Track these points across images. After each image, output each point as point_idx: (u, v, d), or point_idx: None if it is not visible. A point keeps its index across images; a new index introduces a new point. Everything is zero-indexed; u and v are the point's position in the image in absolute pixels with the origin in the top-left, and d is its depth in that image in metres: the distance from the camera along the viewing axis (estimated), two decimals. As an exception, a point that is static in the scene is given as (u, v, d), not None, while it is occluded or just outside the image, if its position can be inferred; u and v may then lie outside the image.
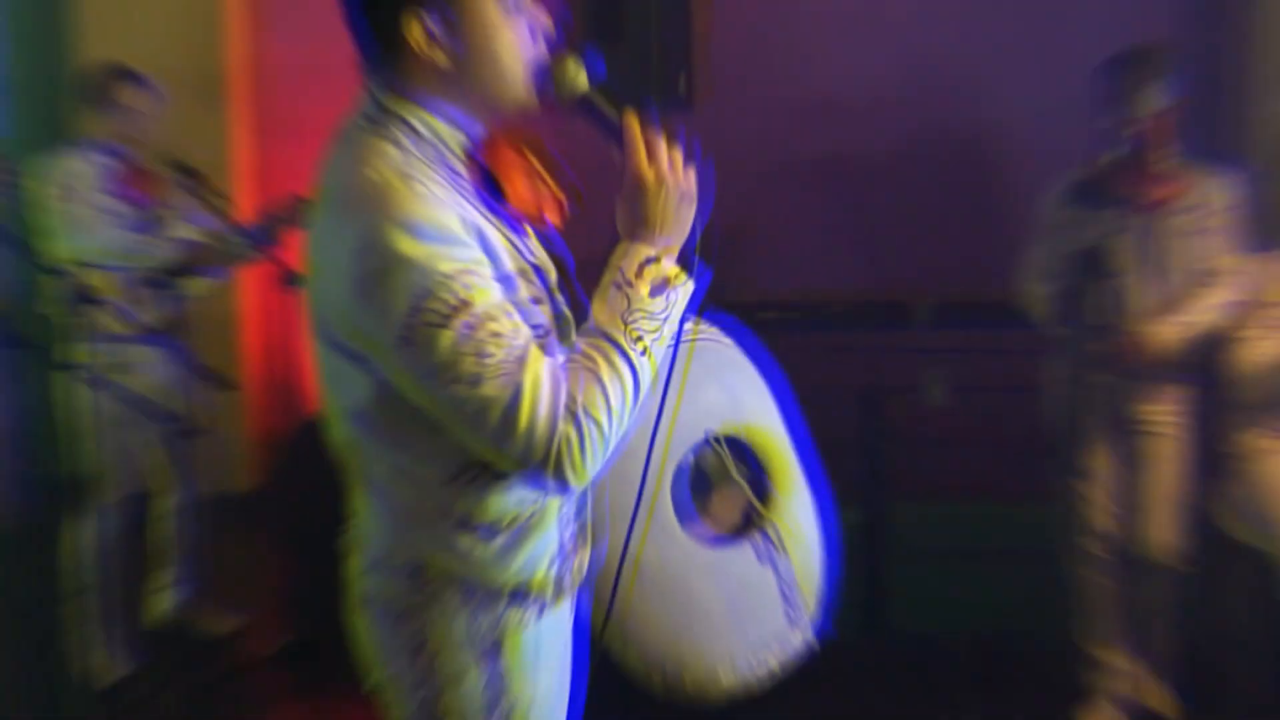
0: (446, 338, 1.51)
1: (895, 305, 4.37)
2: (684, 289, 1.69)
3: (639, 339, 1.62)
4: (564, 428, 1.54)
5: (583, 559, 1.88)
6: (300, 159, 5.79)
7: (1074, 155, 3.74)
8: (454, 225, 1.56)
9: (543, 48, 1.72)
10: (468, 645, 1.75)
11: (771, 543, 2.17)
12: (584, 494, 1.86)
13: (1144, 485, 3.73)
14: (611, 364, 1.60)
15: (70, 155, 4.26)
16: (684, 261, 1.70)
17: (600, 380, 1.58)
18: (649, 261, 1.65)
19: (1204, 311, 3.62)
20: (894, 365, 4.50)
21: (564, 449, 1.54)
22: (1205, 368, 3.79)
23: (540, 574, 1.78)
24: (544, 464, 1.55)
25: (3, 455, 3.22)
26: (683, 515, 2.13)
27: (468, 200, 1.64)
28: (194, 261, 4.22)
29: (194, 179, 4.26)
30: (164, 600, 4.67)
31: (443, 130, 1.69)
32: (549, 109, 1.73)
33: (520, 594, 1.76)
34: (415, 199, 1.55)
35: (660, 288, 1.65)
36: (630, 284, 1.63)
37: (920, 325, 4.38)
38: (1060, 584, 3.80)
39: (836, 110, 5.33)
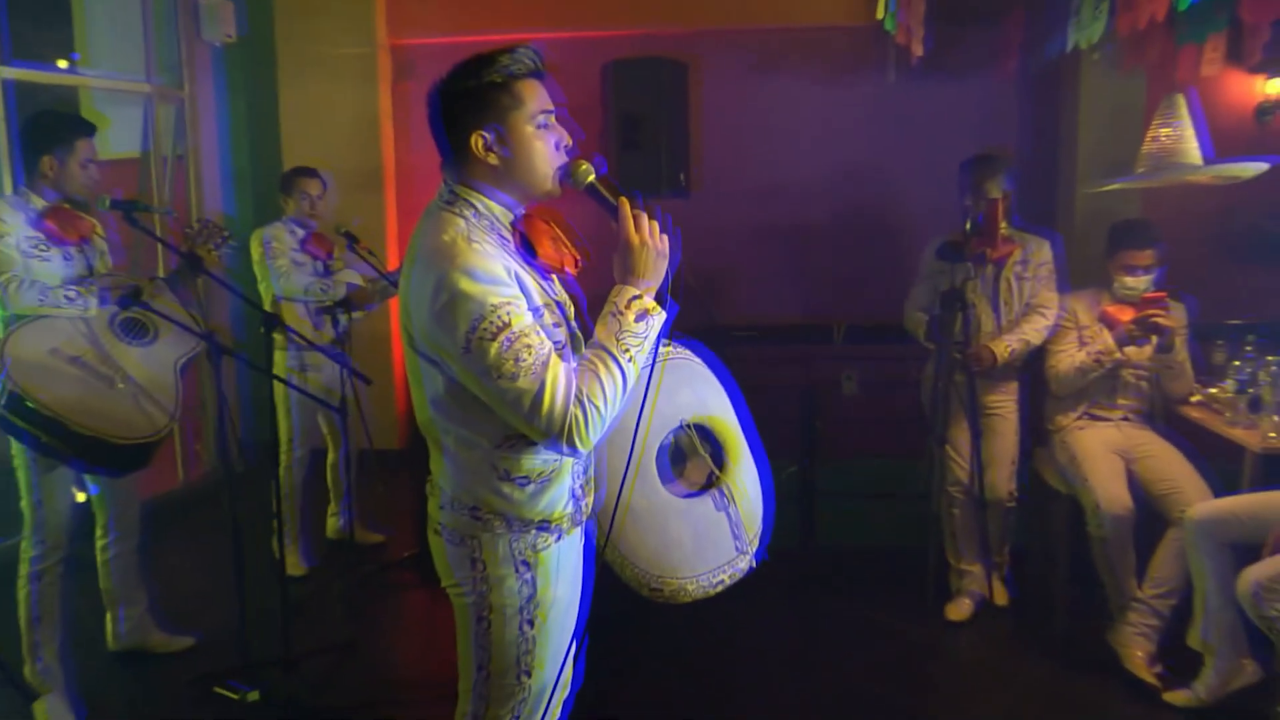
0: (494, 348, 1.58)
1: (822, 327, 4.33)
2: (658, 317, 1.70)
3: (626, 350, 1.66)
4: (574, 410, 1.60)
5: (589, 501, 1.89)
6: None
7: (945, 224, 3.66)
8: (500, 272, 1.62)
9: (563, 154, 1.76)
10: (508, 560, 1.78)
11: (725, 497, 2.16)
12: (589, 457, 1.87)
13: (990, 449, 3.68)
14: (608, 367, 1.64)
15: (274, 225, 4.27)
16: (659, 298, 1.73)
17: (599, 378, 1.63)
18: (634, 299, 1.68)
19: (1031, 333, 3.58)
20: (821, 368, 4.45)
21: (574, 425, 1.61)
22: (1032, 370, 3.75)
23: (559, 511, 1.81)
24: (560, 435, 1.61)
25: (230, 427, 3.25)
26: (663, 476, 2.13)
27: (511, 255, 1.69)
28: (356, 298, 4.20)
29: (355, 241, 4.23)
30: (335, 521, 4.69)
31: (495, 209, 1.74)
32: (568, 195, 1.78)
33: (545, 525, 1.80)
34: (474, 254, 1.62)
35: (642, 316, 1.68)
36: (621, 313, 1.67)
37: (839, 340, 4.31)
38: (933, 516, 3.74)
39: (788, 193, 5.32)
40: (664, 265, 1.70)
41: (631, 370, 1.67)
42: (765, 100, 5.33)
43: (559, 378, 1.60)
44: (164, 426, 2.91)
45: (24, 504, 3.06)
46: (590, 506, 1.91)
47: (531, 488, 1.77)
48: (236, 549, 3.04)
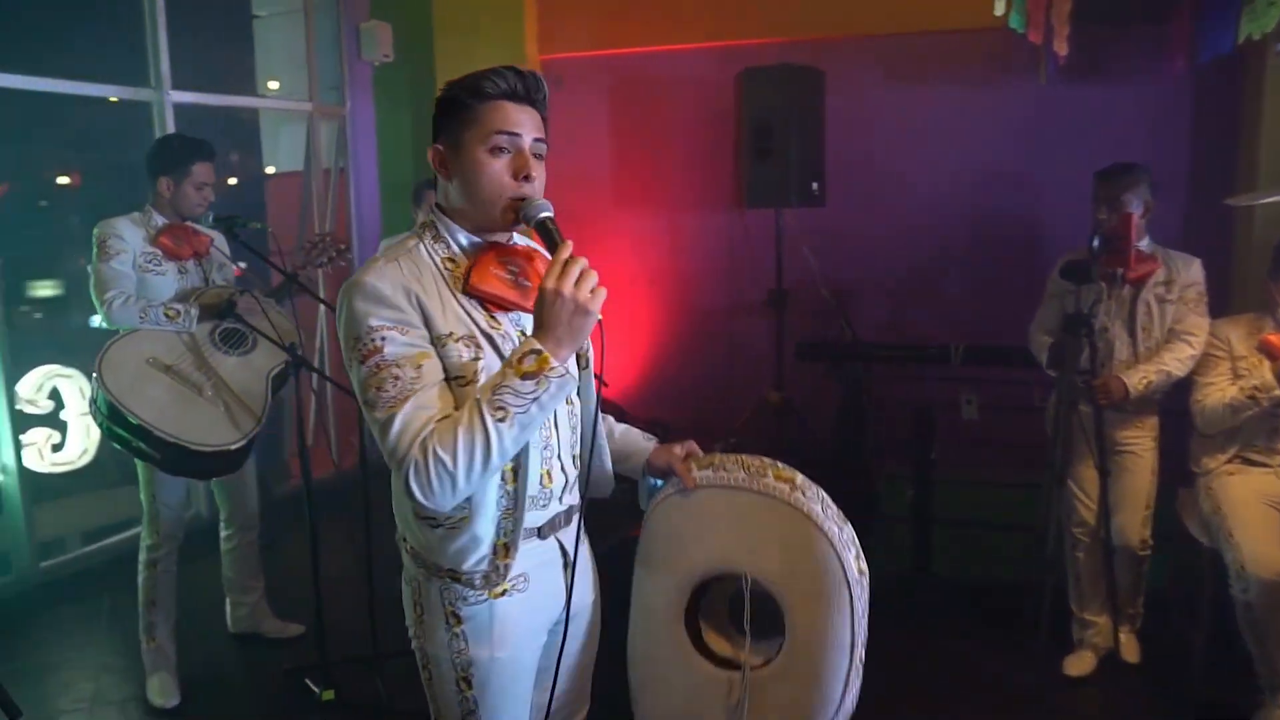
0: (362, 371, 1.46)
1: (940, 347, 3.87)
2: (555, 381, 1.42)
3: (500, 409, 1.40)
4: (415, 454, 1.41)
5: (507, 566, 1.59)
6: (572, 236, 5.78)
7: (1079, 240, 3.16)
8: (389, 294, 1.46)
9: (522, 186, 1.52)
10: (438, 609, 1.60)
11: (744, 689, 1.76)
12: (515, 519, 1.58)
13: (1120, 491, 3.17)
14: (469, 421, 1.41)
15: (405, 237, 4.25)
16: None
17: (455, 430, 1.41)
18: (531, 354, 1.41)
19: (1173, 363, 3.04)
20: (940, 390, 4.00)
21: (414, 471, 1.41)
22: (1175, 404, 3.19)
23: (469, 565, 1.57)
24: (401, 475, 1.43)
25: (303, 436, 3.29)
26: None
27: (436, 282, 1.51)
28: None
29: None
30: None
31: (456, 235, 1.57)
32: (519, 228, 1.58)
33: (454, 577, 1.58)
34: (372, 272, 1.48)
35: (532, 375, 1.40)
36: (511, 366, 1.42)
37: (957, 360, 3.86)
38: (1050, 558, 3.25)
39: (918, 205, 4.87)
40: (585, 325, 1.42)
41: (504, 432, 1.41)
42: (898, 109, 4.89)
43: (411, 417, 1.42)
44: (247, 435, 2.91)
45: (142, 497, 3.16)
46: (505, 573, 1.60)
47: (440, 531, 1.56)
48: (314, 550, 3.00)
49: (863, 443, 4.42)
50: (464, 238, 1.57)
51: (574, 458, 1.69)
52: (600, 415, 1.75)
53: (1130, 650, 3.28)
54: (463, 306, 1.52)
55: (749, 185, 4.66)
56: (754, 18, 5.01)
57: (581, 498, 1.74)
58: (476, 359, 1.50)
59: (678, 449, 1.76)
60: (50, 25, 4.32)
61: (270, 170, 5.47)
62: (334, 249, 3.38)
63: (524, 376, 1.40)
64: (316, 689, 3.07)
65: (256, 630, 3.60)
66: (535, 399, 1.41)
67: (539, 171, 1.55)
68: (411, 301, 1.47)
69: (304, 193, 5.28)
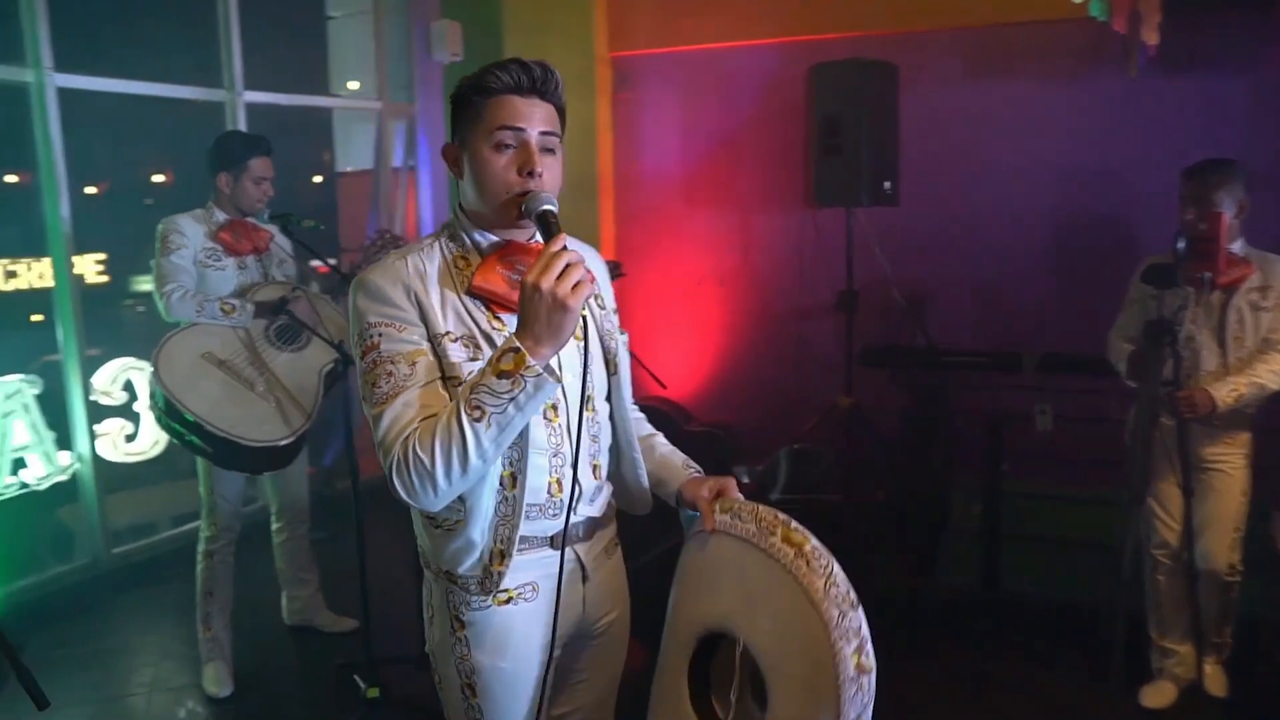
0: (361, 366, 1.47)
1: (1012, 355, 3.66)
2: (531, 381, 1.34)
3: (477, 409, 1.35)
4: (397, 450, 1.39)
5: (501, 574, 1.53)
6: (643, 235, 5.68)
7: (1170, 243, 2.94)
8: (390, 291, 1.45)
9: (525, 180, 1.47)
10: (443, 610, 1.58)
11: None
12: (510, 527, 1.51)
13: (1207, 511, 2.95)
14: (448, 420, 1.37)
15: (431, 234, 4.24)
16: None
17: (435, 429, 1.37)
18: (513, 351, 1.35)
19: (1268, 375, 2.81)
20: (1013, 399, 3.80)
21: (394, 465, 1.39)
22: (1271, 420, 2.95)
23: (463, 570, 1.54)
24: (386, 471, 1.41)
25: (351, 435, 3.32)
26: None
27: (443, 280, 1.49)
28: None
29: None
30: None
31: (471, 232, 1.54)
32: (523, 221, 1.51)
33: (452, 579, 1.55)
34: (377, 269, 1.48)
35: (508, 374, 1.34)
36: (491, 364, 1.36)
37: (1030, 369, 3.65)
38: (1126, 580, 3.04)
39: (995, 206, 4.65)
40: (564, 321, 1.34)
41: (481, 433, 1.35)
42: (977, 105, 4.67)
43: (399, 414, 1.40)
44: (297, 431, 2.92)
45: (200, 489, 3.21)
46: (499, 579, 1.53)
47: (439, 532, 1.54)
48: (360, 548, 3.00)
49: (932, 452, 4.24)
50: (480, 236, 1.53)
51: (595, 467, 1.63)
52: (631, 425, 1.69)
53: (1216, 683, 3.06)
54: (465, 306, 1.49)
55: (819, 184, 4.51)
56: (825, 13, 4.87)
57: (613, 511, 1.68)
58: (474, 359, 1.46)
59: (708, 487, 1.62)
60: (134, 29, 4.44)
61: (344, 169, 5.54)
62: (393, 248, 3.37)
63: (500, 375, 1.35)
64: (363, 686, 3.07)
65: (311, 623, 3.63)
66: (512, 399, 1.34)
67: (548, 165, 1.49)
68: (411, 299, 1.46)
69: (373, 191, 5.33)
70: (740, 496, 1.59)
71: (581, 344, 1.58)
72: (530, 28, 5.56)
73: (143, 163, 5.42)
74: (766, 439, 4.89)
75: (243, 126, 4.41)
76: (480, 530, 1.50)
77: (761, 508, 1.49)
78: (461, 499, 1.47)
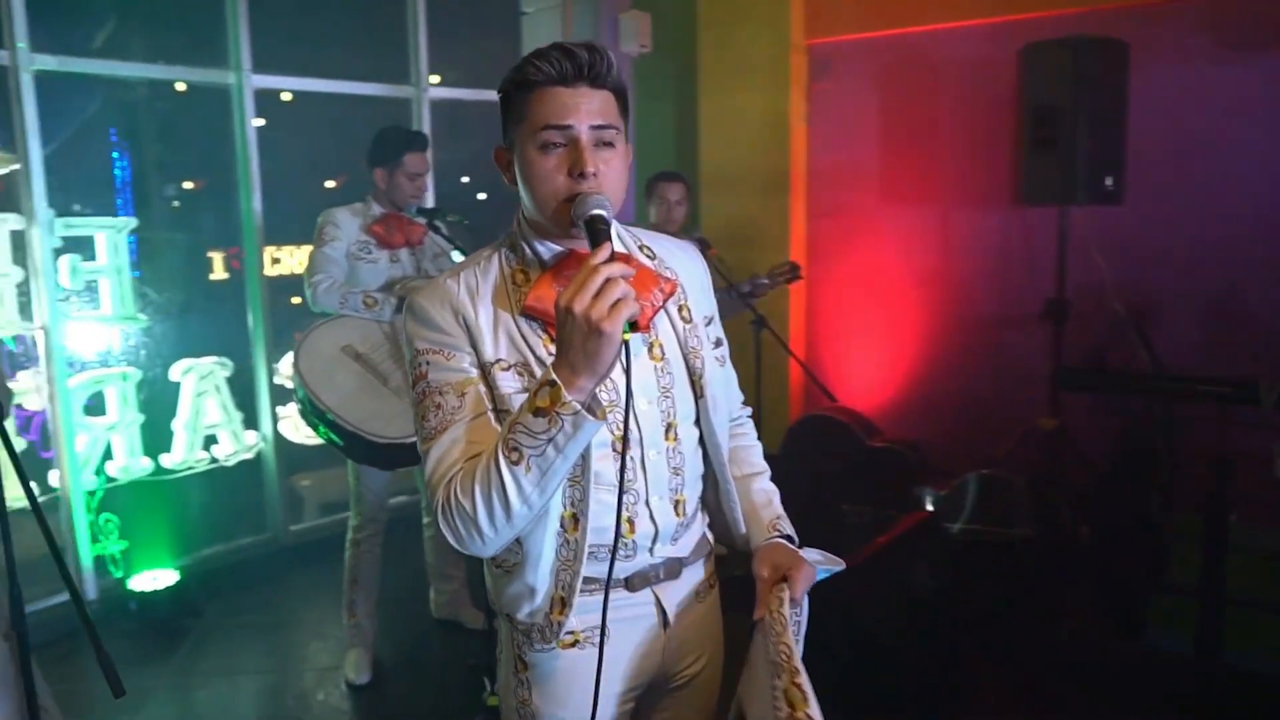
0: (413, 396, 1.35)
1: (1247, 386, 3.04)
2: (569, 418, 1.16)
3: (514, 450, 1.20)
4: (441, 493, 1.26)
5: (561, 624, 1.36)
6: (835, 232, 5.34)
7: None
8: (439, 316, 1.33)
9: (577, 182, 1.29)
10: (509, 647, 1.45)
11: None
12: (571, 566, 1.35)
13: None
14: (488, 464, 1.22)
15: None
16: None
17: (475, 472, 1.23)
18: (549, 385, 1.16)
19: None
20: (1247, 437, 3.18)
21: (440, 509, 1.26)
22: None
23: (522, 615, 1.38)
24: (435, 514, 1.27)
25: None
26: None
27: (498, 299, 1.34)
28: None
29: (707, 250, 3.88)
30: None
31: (528, 245, 1.38)
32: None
33: (512, 622, 1.41)
34: (427, 290, 1.36)
35: (544, 412, 1.16)
36: (528, 400, 1.19)
37: (1269, 405, 3.02)
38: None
39: (1238, 207, 3.95)
40: (600, 349, 1.14)
41: (521, 478, 1.19)
42: (1222, 88, 3.95)
43: (445, 453, 1.26)
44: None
45: (349, 479, 3.26)
46: (558, 629, 1.37)
47: (498, 572, 1.40)
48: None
49: (1147, 491, 3.66)
50: (541, 246, 1.37)
51: (679, 503, 1.43)
52: (724, 454, 1.49)
53: None
54: (520, 329, 1.32)
55: (1027, 179, 4.02)
56: (1043, -15, 4.32)
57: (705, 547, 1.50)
58: (528, 389, 1.30)
59: (770, 567, 1.41)
60: (326, 30, 4.62)
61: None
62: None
63: (536, 413, 1.17)
64: (489, 689, 3.00)
65: (456, 618, 3.62)
66: (550, 440, 1.17)
67: (605, 162, 1.30)
68: (460, 323, 1.32)
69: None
70: (799, 596, 1.36)
71: (660, 364, 1.41)
72: (724, 16, 5.35)
73: (329, 158, 5.67)
74: (956, 459, 4.43)
75: (426, 122, 4.49)
76: (539, 576, 1.35)
77: (789, 635, 1.27)
78: (519, 540, 1.33)
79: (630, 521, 1.38)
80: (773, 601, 1.33)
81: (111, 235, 3.68)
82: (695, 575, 1.50)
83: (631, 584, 1.41)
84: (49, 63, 3.47)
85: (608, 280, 1.14)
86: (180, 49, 3.98)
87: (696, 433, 1.46)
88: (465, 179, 6.11)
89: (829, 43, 5.24)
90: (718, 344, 1.51)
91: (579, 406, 1.16)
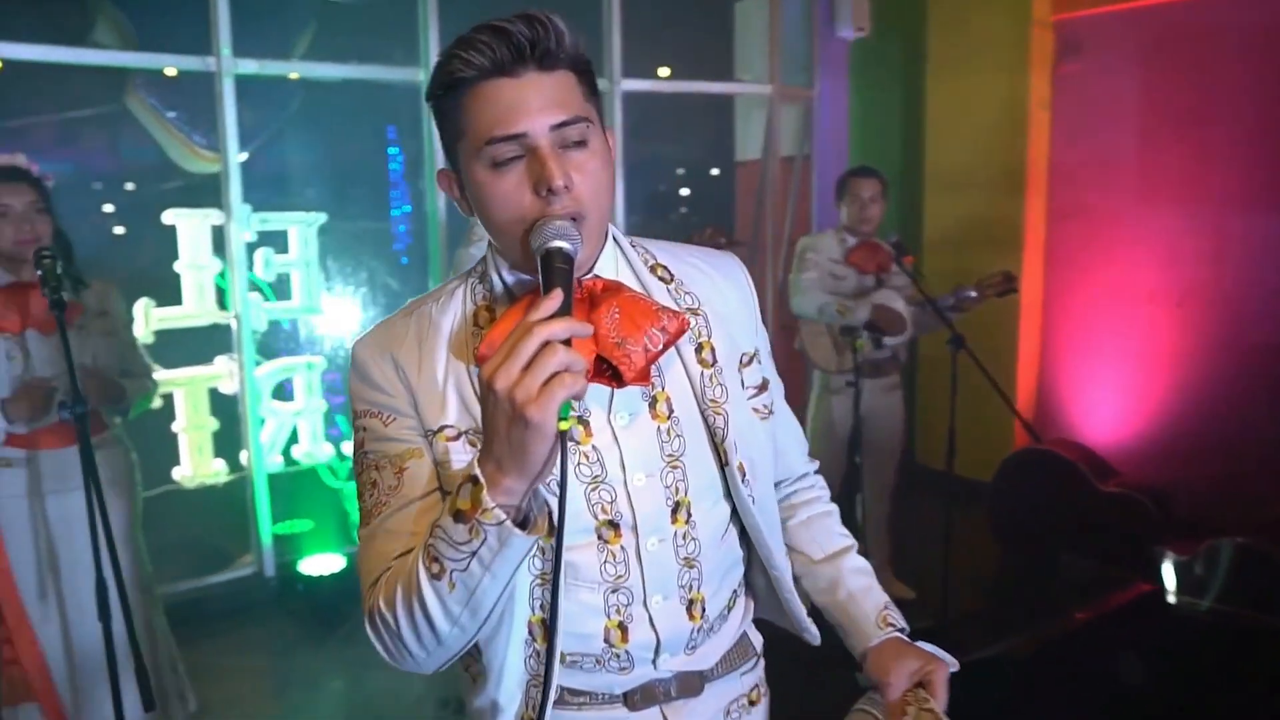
0: (353, 462, 1.11)
1: None
2: (495, 531, 0.87)
3: (434, 561, 0.93)
4: (369, 599, 1.02)
5: None
6: (1079, 238, 4.67)
7: None
8: (376, 370, 1.06)
9: (543, 203, 0.98)
10: None
11: None
12: (541, 697, 1.03)
13: None
14: (409, 574, 0.96)
15: (823, 233, 3.75)
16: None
17: (399, 579, 0.98)
18: (472, 481, 0.89)
19: None
20: None
21: (368, 616, 1.01)
22: None
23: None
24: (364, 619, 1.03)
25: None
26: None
27: (457, 346, 1.06)
28: (883, 322, 3.41)
29: (901, 255, 3.42)
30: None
31: (498, 275, 1.09)
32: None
33: None
34: (370, 337, 1.10)
35: (463, 516, 0.88)
36: (450, 498, 0.93)
37: None
38: None
39: None
40: (529, 441, 0.85)
41: (444, 595, 0.93)
42: None
43: (377, 545, 1.02)
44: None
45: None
46: None
47: (465, 677, 1.13)
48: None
49: None
50: (510, 277, 1.08)
51: (693, 603, 1.11)
52: (775, 532, 1.17)
53: None
54: (476, 385, 1.03)
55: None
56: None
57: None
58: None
59: (910, 673, 1.13)
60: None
61: (742, 159, 5.24)
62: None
63: (456, 517, 0.90)
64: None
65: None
66: (473, 554, 0.90)
67: (578, 168, 0.99)
68: (400, 378, 1.05)
69: (759, 182, 4.96)
70: (941, 700, 1.10)
71: (667, 424, 1.09)
72: (961, -7, 4.76)
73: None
74: (1210, 515, 3.70)
75: (618, 115, 4.31)
76: (503, 692, 1.07)
77: None
78: (478, 648, 1.07)
79: (622, 628, 1.08)
80: (911, 713, 1.06)
81: (302, 229, 3.81)
82: (729, 691, 1.18)
83: (632, 701, 1.11)
84: (249, 66, 3.61)
85: (545, 345, 0.85)
86: (374, 49, 4.05)
87: (727, 509, 1.13)
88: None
89: (1081, 17, 4.52)
90: (762, 388, 1.17)
91: (503, 516, 0.88)
